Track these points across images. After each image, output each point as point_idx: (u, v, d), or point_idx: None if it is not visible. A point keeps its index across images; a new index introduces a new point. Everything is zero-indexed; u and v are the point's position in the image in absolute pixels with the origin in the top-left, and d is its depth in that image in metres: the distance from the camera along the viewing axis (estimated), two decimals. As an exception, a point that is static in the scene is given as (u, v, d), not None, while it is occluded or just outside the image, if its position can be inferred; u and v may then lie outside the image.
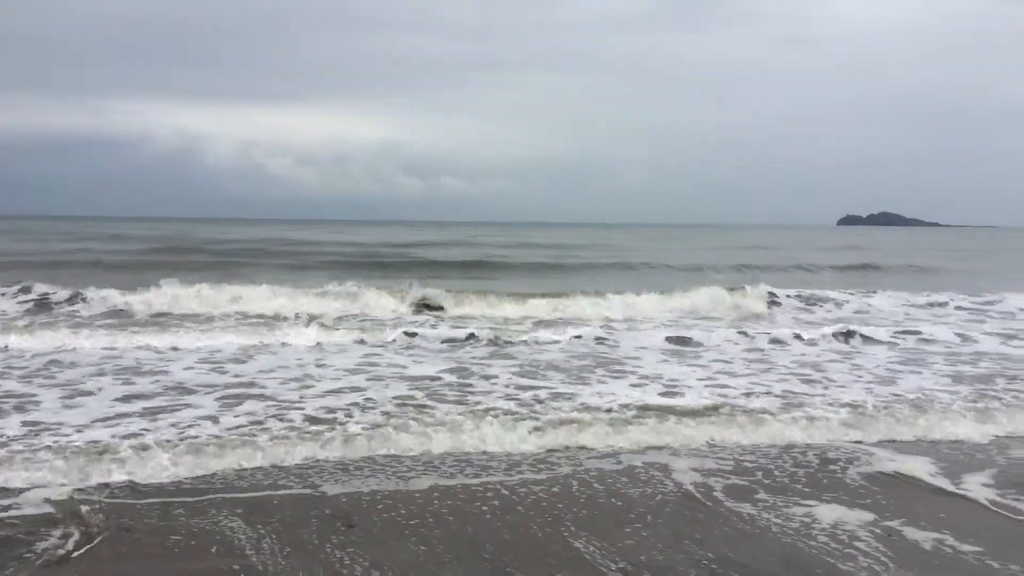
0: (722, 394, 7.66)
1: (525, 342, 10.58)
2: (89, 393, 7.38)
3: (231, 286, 14.00)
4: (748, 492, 5.11)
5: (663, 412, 6.81)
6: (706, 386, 8.05)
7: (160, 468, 5.24)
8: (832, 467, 5.66)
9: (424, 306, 14.06)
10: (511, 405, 7.07)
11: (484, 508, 4.74)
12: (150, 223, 77.79)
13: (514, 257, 29.43)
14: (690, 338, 11.06)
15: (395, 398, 7.30)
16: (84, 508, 4.56)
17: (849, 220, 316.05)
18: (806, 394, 7.78)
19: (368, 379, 8.20)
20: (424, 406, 6.94)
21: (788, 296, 15.96)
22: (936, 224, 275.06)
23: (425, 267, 23.89)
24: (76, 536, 4.19)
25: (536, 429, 6.20)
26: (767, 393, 7.79)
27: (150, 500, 4.75)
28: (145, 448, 5.51)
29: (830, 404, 7.25)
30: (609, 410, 6.86)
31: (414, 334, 10.85)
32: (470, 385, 8.01)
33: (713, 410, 6.93)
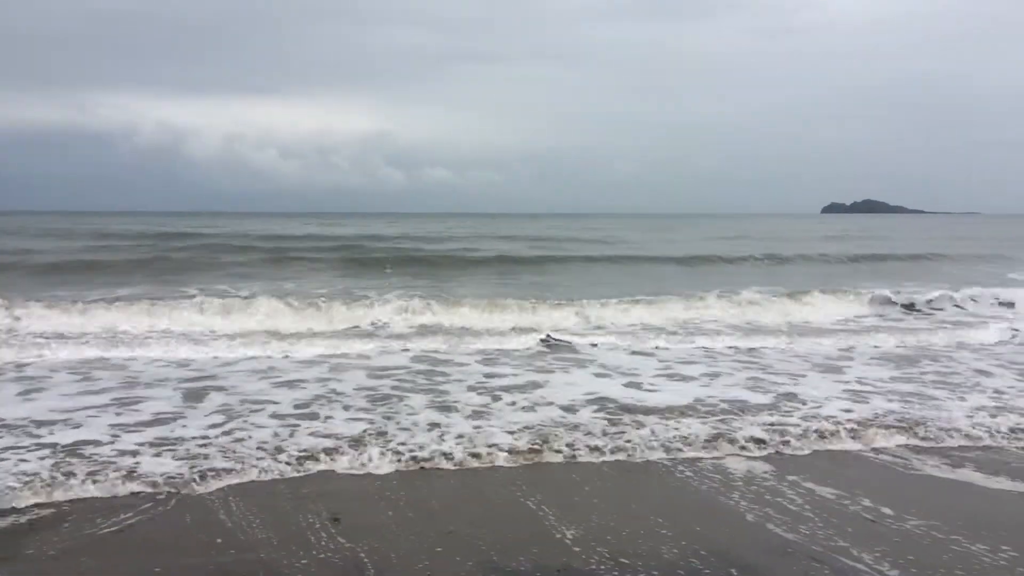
0: None
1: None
2: None
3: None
4: None
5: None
6: None
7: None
8: None
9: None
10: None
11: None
12: (133, 217, 76.48)
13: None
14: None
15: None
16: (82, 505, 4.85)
17: (833, 208, 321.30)
18: None
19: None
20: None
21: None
22: (920, 211, 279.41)
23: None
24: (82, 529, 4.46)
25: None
26: None
27: (143, 498, 5.00)
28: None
29: None
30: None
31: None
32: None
33: None
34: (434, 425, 6.69)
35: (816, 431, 6.61)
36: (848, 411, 7.30)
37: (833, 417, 7.07)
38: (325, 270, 21.71)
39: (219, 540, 4.43)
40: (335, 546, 4.35)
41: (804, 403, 7.63)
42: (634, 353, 10.37)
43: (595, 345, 10.80)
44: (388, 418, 6.96)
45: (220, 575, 4.01)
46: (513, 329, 11.92)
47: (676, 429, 6.60)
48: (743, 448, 6.21)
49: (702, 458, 6.01)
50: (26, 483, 5.19)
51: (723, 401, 7.67)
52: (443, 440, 6.24)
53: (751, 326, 13.00)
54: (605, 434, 6.46)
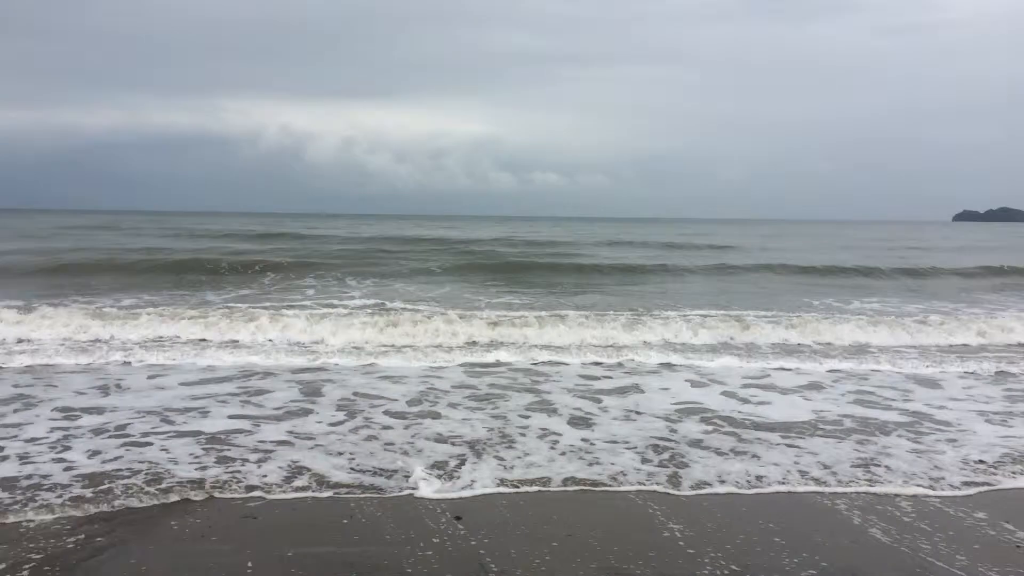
0: None
1: None
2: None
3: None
4: None
5: None
6: None
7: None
8: None
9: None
10: None
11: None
12: (256, 218, 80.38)
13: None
14: None
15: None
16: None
17: (966, 216, 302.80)
18: None
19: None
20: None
21: None
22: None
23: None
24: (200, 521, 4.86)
25: None
26: None
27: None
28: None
29: None
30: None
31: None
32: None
33: None
34: (545, 432, 6.78)
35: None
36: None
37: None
38: (436, 273, 22.18)
39: (346, 526, 4.70)
40: (457, 539, 4.53)
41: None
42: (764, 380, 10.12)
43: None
44: (498, 418, 7.20)
45: (346, 563, 4.23)
46: (612, 346, 11.41)
47: (808, 450, 6.46)
48: (874, 472, 5.97)
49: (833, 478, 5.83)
50: (200, 468, 5.69)
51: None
52: (555, 455, 6.15)
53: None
54: (735, 452, 6.31)
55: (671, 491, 5.43)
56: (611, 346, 11.40)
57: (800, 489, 5.56)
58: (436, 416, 7.28)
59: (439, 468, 5.80)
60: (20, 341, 10.79)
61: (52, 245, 28.95)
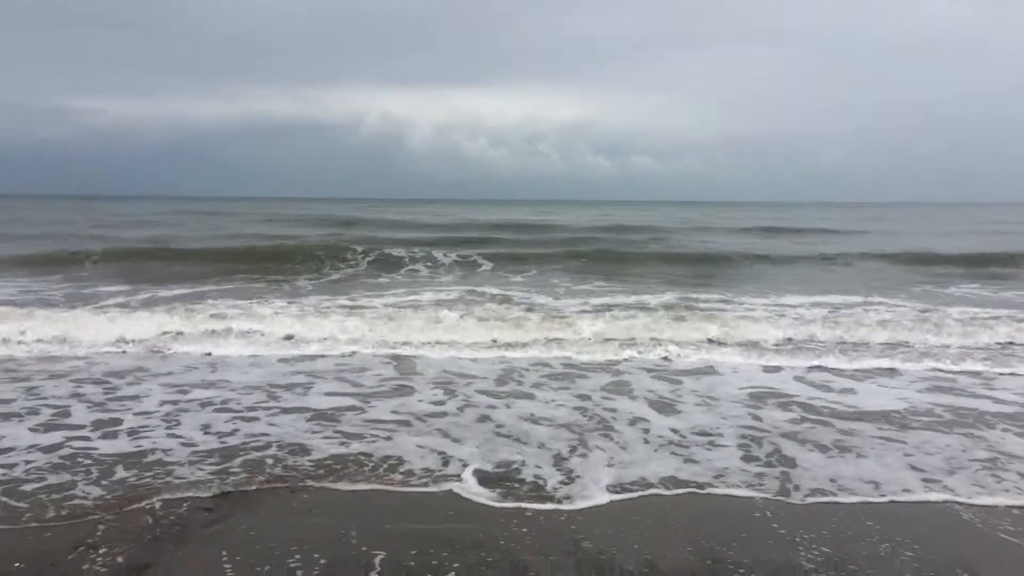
0: None
1: None
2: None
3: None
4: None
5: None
6: None
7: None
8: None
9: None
10: None
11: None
12: (355, 204, 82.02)
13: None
14: None
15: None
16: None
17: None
18: None
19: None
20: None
21: None
22: None
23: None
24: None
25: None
26: None
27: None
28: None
29: None
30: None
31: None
32: None
33: None
34: (636, 419, 6.76)
35: None
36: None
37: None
38: (525, 260, 21.98)
39: (446, 504, 4.85)
40: (552, 516, 4.63)
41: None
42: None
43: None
44: (584, 398, 7.24)
45: (445, 538, 4.36)
46: (710, 340, 10.59)
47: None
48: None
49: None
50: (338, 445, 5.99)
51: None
52: (651, 451, 5.96)
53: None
54: (839, 449, 6.03)
55: (783, 499, 5.04)
56: (683, 340, 10.64)
57: (932, 498, 5.09)
58: (528, 396, 7.45)
59: (555, 462, 5.65)
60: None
61: (161, 232, 30.62)
